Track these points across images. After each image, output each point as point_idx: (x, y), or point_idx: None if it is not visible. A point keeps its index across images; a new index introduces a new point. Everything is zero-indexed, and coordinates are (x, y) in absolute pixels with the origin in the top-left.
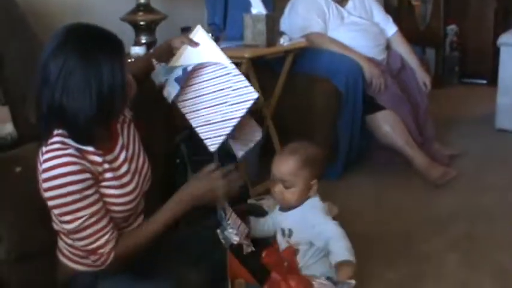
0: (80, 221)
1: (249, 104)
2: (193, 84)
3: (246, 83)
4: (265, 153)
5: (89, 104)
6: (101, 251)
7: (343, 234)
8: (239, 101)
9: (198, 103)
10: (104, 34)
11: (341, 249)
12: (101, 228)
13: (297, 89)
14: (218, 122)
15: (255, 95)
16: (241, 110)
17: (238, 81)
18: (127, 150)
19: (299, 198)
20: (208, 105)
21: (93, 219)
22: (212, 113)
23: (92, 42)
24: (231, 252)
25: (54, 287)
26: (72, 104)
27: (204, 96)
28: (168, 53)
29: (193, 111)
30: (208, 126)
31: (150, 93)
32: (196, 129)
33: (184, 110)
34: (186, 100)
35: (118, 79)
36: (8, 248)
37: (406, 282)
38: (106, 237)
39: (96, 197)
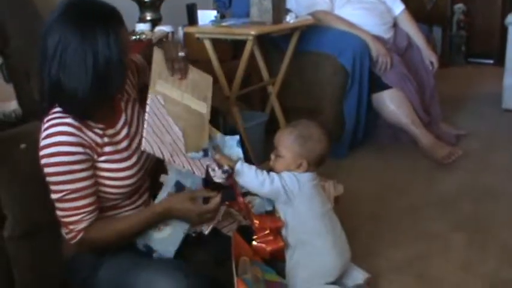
0: (61, 194)
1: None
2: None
3: None
4: (270, 130)
5: (85, 78)
6: (72, 227)
7: (268, 181)
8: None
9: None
10: (100, 6)
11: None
12: (80, 206)
13: (303, 67)
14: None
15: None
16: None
17: None
18: (129, 127)
19: (284, 170)
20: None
21: (74, 196)
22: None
23: (87, 15)
24: (236, 231)
25: (60, 263)
26: (69, 78)
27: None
28: None
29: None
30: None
31: None
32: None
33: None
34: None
35: (114, 51)
36: (13, 224)
37: (411, 261)
38: (81, 216)
39: (84, 174)
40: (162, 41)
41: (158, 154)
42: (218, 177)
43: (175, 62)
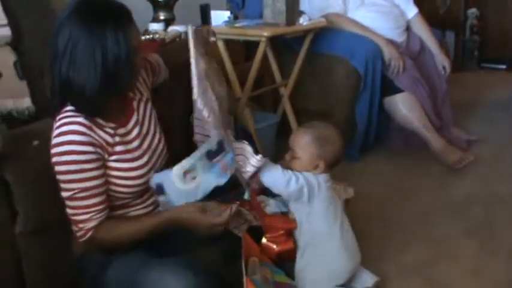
0: (71, 192)
1: None
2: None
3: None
4: (281, 132)
5: (94, 75)
6: (81, 225)
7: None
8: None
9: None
10: (109, 4)
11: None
12: (90, 205)
13: (315, 69)
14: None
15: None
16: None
17: None
18: (141, 127)
19: (301, 171)
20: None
21: (84, 194)
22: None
23: (96, 13)
24: (246, 232)
25: (71, 261)
26: (79, 75)
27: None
28: None
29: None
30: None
31: (170, 71)
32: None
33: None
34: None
35: (123, 48)
36: (24, 220)
37: (421, 265)
38: (90, 215)
39: (94, 173)
40: (176, 40)
41: (203, 110)
42: (254, 163)
43: (207, 45)
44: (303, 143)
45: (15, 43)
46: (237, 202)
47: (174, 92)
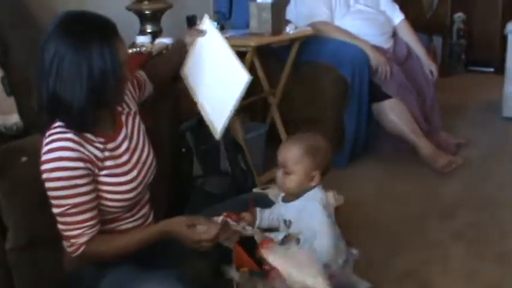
0: (62, 208)
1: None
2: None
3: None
4: (270, 141)
5: (80, 90)
6: (73, 241)
7: (330, 231)
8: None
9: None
10: (94, 18)
11: (322, 248)
12: (81, 220)
13: (303, 78)
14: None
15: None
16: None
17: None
18: (130, 141)
19: (298, 186)
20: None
21: (75, 210)
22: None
23: (81, 27)
24: (237, 242)
25: (62, 276)
26: (65, 90)
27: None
28: (180, 50)
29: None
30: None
31: (156, 84)
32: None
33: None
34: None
35: (109, 62)
36: (14, 236)
37: (412, 270)
38: (82, 230)
39: (85, 189)
40: (162, 53)
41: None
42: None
43: None
44: (295, 157)
45: (2, 59)
46: (224, 214)
47: (161, 105)
